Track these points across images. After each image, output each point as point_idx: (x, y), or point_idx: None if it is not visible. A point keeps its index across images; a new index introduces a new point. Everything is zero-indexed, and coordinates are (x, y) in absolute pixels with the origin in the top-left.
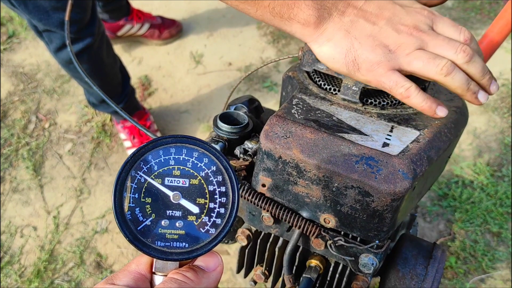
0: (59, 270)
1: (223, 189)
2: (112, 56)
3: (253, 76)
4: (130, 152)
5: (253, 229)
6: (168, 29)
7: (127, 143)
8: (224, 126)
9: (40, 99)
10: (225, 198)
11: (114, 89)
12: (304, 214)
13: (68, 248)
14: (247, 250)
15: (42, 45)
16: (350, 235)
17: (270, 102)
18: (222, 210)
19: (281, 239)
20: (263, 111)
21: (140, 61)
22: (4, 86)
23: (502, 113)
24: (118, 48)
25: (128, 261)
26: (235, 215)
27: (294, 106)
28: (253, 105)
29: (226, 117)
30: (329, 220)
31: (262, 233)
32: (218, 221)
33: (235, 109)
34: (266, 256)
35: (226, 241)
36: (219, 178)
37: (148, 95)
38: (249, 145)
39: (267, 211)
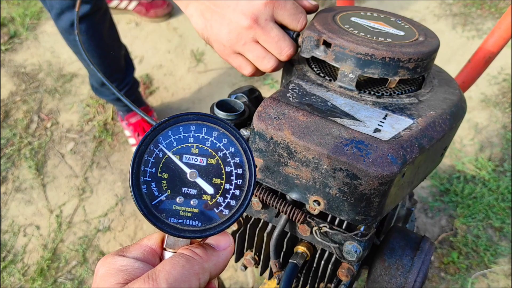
0: (62, 268)
1: (240, 171)
2: (116, 40)
3: None
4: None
5: (244, 214)
6: (154, 9)
7: (132, 140)
8: (220, 113)
9: (42, 98)
10: (241, 180)
11: (114, 73)
12: (294, 196)
13: (71, 246)
14: (237, 235)
15: (43, 45)
16: (336, 222)
17: None
18: (237, 192)
19: (270, 225)
20: None
21: (141, 60)
22: (6, 86)
23: (504, 108)
24: None
25: None
26: (250, 198)
27: (290, 91)
28: (253, 94)
29: (223, 105)
30: (318, 202)
31: (252, 218)
32: (233, 202)
33: (235, 98)
34: (255, 241)
35: None
36: (237, 160)
37: (149, 93)
38: (244, 132)
39: (256, 196)
